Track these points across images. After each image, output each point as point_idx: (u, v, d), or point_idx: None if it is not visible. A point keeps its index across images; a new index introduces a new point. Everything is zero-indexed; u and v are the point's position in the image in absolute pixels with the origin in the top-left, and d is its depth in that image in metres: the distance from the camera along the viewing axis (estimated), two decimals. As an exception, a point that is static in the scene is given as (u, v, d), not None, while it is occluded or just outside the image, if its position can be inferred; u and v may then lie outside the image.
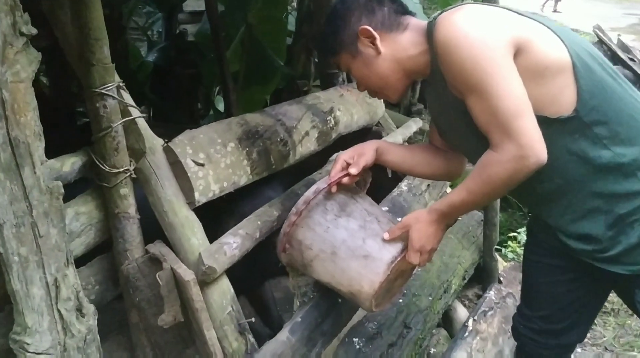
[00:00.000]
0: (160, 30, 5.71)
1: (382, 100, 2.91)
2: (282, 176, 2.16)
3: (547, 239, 1.61)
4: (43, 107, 1.23)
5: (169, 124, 4.38)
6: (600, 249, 1.45)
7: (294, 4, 5.07)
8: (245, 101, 4.14)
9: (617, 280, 1.53)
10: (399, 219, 1.62)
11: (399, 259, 1.55)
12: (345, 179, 1.63)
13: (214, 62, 4.12)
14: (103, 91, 1.48)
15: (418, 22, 1.54)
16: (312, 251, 1.63)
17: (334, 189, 1.62)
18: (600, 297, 1.71)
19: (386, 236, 1.57)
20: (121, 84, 1.56)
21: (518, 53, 1.32)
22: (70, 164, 1.54)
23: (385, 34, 1.52)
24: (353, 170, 1.62)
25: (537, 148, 1.29)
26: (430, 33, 1.42)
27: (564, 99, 1.36)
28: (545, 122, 1.33)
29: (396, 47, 1.52)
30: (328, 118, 2.38)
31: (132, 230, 1.63)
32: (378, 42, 1.51)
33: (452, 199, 1.47)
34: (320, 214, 1.63)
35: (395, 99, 1.63)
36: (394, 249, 1.57)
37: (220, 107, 4.72)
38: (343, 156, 1.68)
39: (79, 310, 1.43)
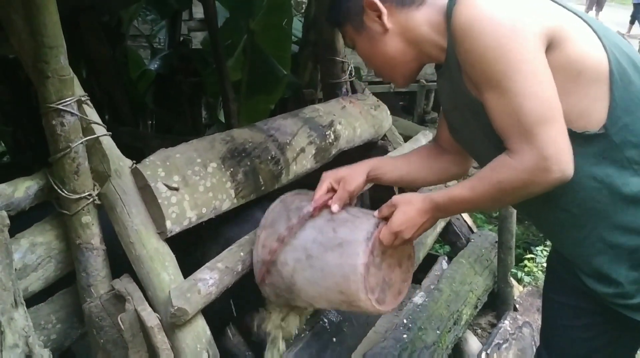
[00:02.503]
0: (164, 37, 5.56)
1: (388, 112, 2.72)
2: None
3: (568, 276, 1.39)
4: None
5: (170, 136, 4.22)
6: (622, 294, 1.24)
7: (302, 10, 4.92)
8: (249, 111, 4.01)
9: None
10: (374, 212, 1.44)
11: (375, 234, 1.37)
12: (334, 208, 1.45)
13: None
14: (60, 107, 1.31)
15: None
16: (289, 265, 1.45)
17: (316, 214, 1.46)
18: (630, 347, 1.47)
19: (376, 213, 1.40)
20: (83, 98, 1.39)
21: (550, 48, 1.11)
22: (24, 189, 1.38)
23: (395, 9, 1.31)
24: (335, 207, 1.45)
25: (563, 162, 1.10)
26: (450, 13, 1.20)
27: (593, 113, 1.15)
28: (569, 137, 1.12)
29: (407, 25, 1.31)
30: (327, 133, 2.19)
31: (96, 263, 1.45)
32: (385, 17, 1.31)
33: (453, 194, 1.27)
34: (286, 223, 1.45)
35: (402, 83, 1.44)
36: (368, 226, 1.38)
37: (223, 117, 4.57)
38: (329, 176, 1.51)
39: (29, 357, 1.25)
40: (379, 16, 1.32)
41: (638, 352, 1.49)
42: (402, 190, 2.23)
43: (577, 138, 1.14)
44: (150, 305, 1.41)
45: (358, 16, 1.35)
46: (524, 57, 1.08)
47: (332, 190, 1.49)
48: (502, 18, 1.09)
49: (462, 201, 1.26)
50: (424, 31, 1.30)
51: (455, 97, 1.33)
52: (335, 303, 1.47)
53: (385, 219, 1.36)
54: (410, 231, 1.33)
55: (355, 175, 1.50)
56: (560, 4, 1.20)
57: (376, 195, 2.50)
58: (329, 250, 1.39)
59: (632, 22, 13.24)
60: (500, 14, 1.10)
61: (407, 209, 1.33)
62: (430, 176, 1.58)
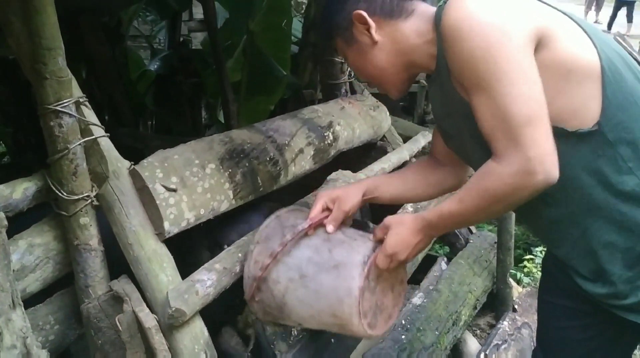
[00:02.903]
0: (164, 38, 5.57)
1: (387, 113, 2.72)
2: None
3: (562, 277, 1.39)
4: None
5: (170, 136, 4.22)
6: (616, 294, 1.24)
7: (302, 11, 4.92)
8: (249, 111, 4.01)
9: None
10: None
11: (371, 259, 1.35)
12: (329, 228, 1.44)
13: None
14: (58, 108, 1.31)
15: (427, 7, 1.32)
16: (281, 284, 1.43)
17: (311, 232, 1.44)
18: (627, 348, 1.48)
19: (370, 237, 1.40)
20: (82, 100, 1.39)
21: (539, 48, 1.11)
22: (22, 190, 1.38)
23: (384, 21, 1.32)
24: (330, 228, 1.44)
25: (547, 163, 1.08)
26: (438, 18, 1.20)
27: (587, 112, 1.14)
28: (562, 135, 1.12)
29: (396, 37, 1.32)
30: (326, 133, 2.19)
31: (95, 264, 1.45)
32: (373, 30, 1.32)
33: (442, 209, 1.26)
34: (280, 239, 1.43)
35: (395, 94, 1.43)
36: (365, 249, 1.37)
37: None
38: (324, 196, 1.49)
39: (27, 358, 1.26)
40: (368, 29, 1.32)
41: (636, 352, 1.49)
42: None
43: (571, 137, 1.14)
44: (148, 306, 1.40)
45: (347, 30, 1.36)
46: (512, 58, 1.08)
47: (328, 210, 1.47)
48: (491, 19, 1.09)
49: (452, 215, 1.24)
50: (412, 41, 1.30)
51: (447, 104, 1.33)
52: (326, 326, 1.45)
53: (381, 242, 1.36)
54: (405, 252, 1.32)
55: (350, 195, 1.48)
56: (548, 4, 1.20)
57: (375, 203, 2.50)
58: (324, 271, 1.38)
59: (629, 21, 13.20)
60: (488, 15, 1.09)
61: (400, 230, 1.32)
62: (428, 190, 1.57)
